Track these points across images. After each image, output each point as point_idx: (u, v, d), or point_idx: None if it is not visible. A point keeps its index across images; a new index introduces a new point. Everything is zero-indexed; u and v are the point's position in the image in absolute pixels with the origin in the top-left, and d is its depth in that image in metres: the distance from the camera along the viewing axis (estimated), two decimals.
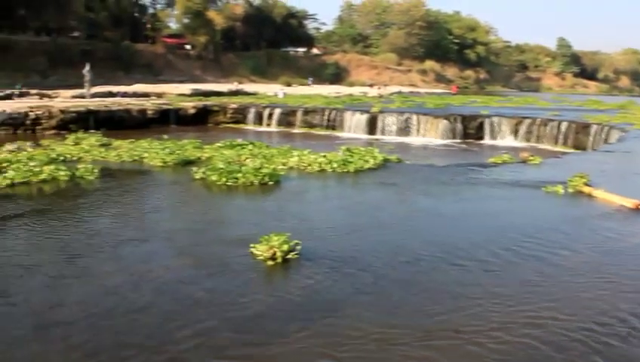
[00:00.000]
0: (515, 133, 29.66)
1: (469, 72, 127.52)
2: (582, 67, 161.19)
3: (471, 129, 30.44)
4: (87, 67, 37.07)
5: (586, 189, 13.11)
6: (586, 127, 27.34)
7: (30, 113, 27.71)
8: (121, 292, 7.01)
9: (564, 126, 28.03)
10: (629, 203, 11.82)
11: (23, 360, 5.49)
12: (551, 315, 6.55)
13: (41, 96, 36.49)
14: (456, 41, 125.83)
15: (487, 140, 29.83)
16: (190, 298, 6.89)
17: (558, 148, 26.87)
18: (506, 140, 29.44)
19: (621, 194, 12.32)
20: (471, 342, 5.92)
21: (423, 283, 7.47)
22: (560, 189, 13.20)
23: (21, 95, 35.76)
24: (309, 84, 71.09)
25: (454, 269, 8.00)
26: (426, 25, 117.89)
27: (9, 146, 19.34)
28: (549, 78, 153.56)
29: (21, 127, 27.23)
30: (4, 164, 15.26)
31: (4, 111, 27.14)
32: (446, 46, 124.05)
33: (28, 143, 20.25)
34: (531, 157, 18.28)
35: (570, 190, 13.21)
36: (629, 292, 7.33)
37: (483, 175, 15.57)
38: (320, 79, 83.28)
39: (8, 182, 13.27)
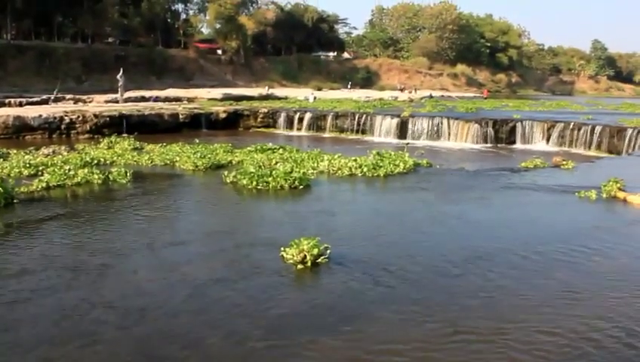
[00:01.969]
0: (548, 137, 29.23)
1: (500, 76, 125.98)
2: (617, 70, 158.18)
3: (502, 133, 30.08)
4: (121, 72, 37.69)
5: (621, 194, 12.90)
6: (621, 130, 26.81)
7: (65, 117, 28.22)
8: (153, 294, 7.11)
9: (598, 130, 27.52)
10: None
11: (62, 356, 5.61)
12: (579, 320, 6.46)
13: (76, 100, 37.14)
14: (488, 44, 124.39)
15: (518, 145, 29.45)
16: (221, 300, 6.96)
17: (592, 153, 26.41)
18: (538, 145, 29.03)
19: None
20: (502, 346, 5.87)
21: (452, 289, 7.43)
22: (593, 194, 13.01)
23: (56, 100, 36.42)
24: (348, 88, 71.54)
25: (485, 274, 7.94)
26: (458, 28, 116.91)
27: (45, 150, 19.77)
28: (583, 81, 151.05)
29: (56, 131, 27.74)
30: (41, 168, 15.60)
31: (40, 115, 27.70)
32: (478, 49, 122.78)
33: (63, 147, 20.68)
34: (564, 162, 18.04)
35: (604, 195, 13.00)
36: None
37: (514, 180, 15.41)
38: (350, 83, 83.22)
39: (44, 184, 13.57)
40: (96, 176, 14.48)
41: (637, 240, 9.75)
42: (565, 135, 28.66)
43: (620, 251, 9.13)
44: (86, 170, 14.93)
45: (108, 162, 17.57)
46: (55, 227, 10.27)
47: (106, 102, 36.85)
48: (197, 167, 16.66)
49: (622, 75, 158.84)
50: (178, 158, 17.73)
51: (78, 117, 28.54)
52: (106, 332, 6.08)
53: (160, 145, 21.13)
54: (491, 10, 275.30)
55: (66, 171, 14.74)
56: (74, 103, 36.12)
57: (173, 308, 6.72)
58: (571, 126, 28.79)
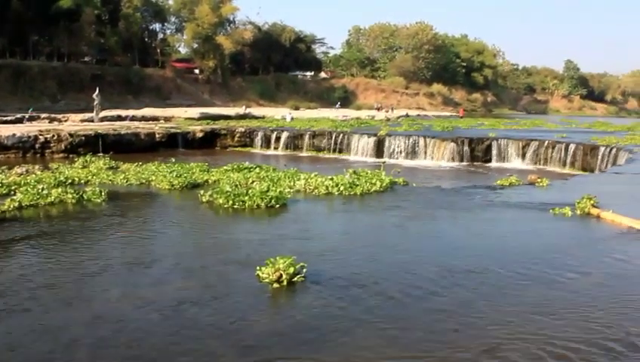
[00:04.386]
0: (523, 155, 29.63)
1: (476, 95, 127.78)
2: (589, 89, 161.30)
3: (478, 151, 30.45)
4: (97, 91, 37.48)
5: (594, 211, 13.04)
6: (594, 149, 27.28)
7: (40, 137, 27.96)
8: (126, 315, 6.99)
9: (571, 148, 27.98)
10: (638, 224, 11.74)
11: None
12: (556, 337, 6.48)
13: (51, 120, 36.84)
14: (464, 64, 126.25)
15: (494, 163, 29.80)
16: (195, 321, 6.87)
17: (566, 171, 26.81)
18: (514, 163, 29.39)
19: (630, 216, 12.24)
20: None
21: (428, 307, 7.41)
22: (568, 211, 13.14)
23: (31, 119, 36.09)
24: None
25: (460, 292, 7.94)
26: (434, 48, 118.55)
27: (18, 169, 19.50)
28: (557, 100, 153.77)
29: (30, 150, 27.47)
30: (13, 187, 15.36)
31: (14, 134, 27.40)
32: (453, 69, 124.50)
33: (36, 166, 20.42)
34: (539, 180, 18.23)
35: (578, 212, 13.14)
36: (636, 314, 7.25)
37: (490, 197, 15.52)
38: (327, 103, 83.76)
39: (16, 204, 13.34)
40: (70, 196, 14.27)
41: (610, 256, 9.82)
42: (540, 153, 29.10)
43: (594, 267, 9.20)
44: (60, 190, 14.71)
45: (82, 181, 17.35)
46: (26, 247, 10.08)
47: (82, 121, 36.63)
48: (173, 186, 16.52)
49: (594, 95, 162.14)
50: (154, 177, 17.58)
51: (53, 136, 28.30)
52: (76, 357, 5.95)
53: (136, 164, 20.95)
54: (466, 30, 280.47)
55: (40, 191, 14.50)
56: (49, 122, 35.84)
57: (146, 330, 6.60)
58: (546, 144, 29.24)
